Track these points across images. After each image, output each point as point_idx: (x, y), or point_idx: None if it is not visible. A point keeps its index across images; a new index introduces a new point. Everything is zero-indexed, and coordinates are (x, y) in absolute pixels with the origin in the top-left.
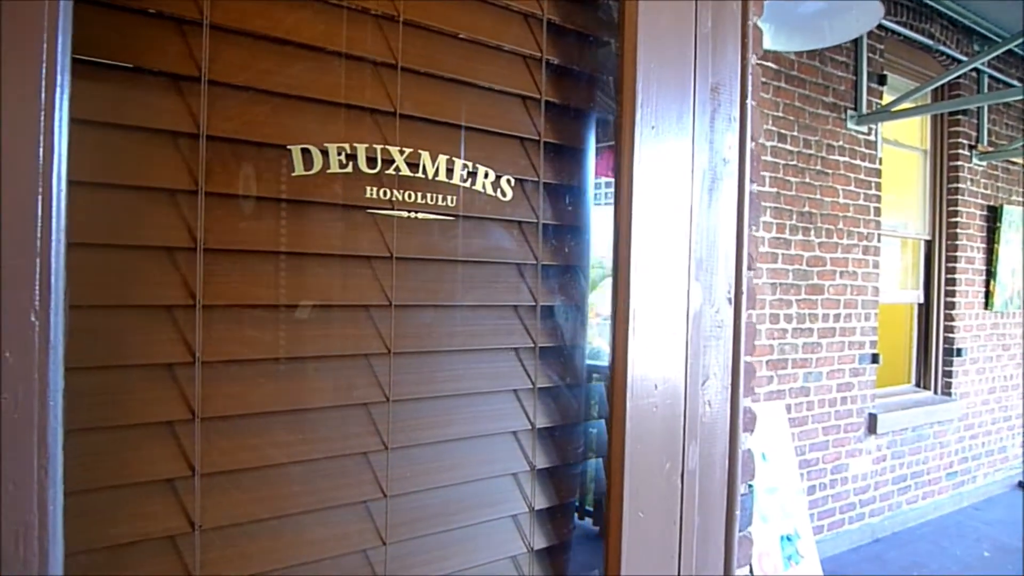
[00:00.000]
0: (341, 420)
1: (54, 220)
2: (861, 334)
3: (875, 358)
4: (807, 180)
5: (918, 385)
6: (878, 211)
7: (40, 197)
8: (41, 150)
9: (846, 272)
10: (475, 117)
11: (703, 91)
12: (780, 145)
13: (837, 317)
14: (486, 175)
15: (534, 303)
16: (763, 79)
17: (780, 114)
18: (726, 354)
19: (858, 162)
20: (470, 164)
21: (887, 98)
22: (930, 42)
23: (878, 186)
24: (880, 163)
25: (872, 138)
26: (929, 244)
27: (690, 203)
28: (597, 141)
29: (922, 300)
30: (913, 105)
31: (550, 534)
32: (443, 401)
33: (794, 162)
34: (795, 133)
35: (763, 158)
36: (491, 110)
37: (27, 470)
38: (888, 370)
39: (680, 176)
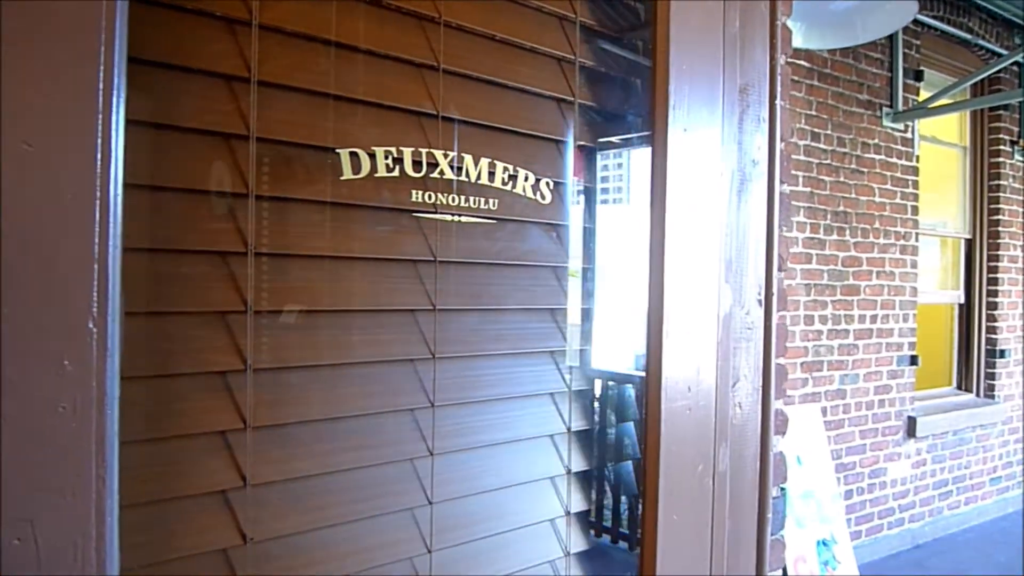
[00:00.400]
0: (387, 426)
1: (111, 224)
2: (899, 335)
3: (914, 360)
4: (841, 179)
5: (959, 387)
6: (916, 210)
7: (98, 201)
8: (99, 153)
9: (883, 272)
10: (514, 119)
11: (731, 92)
12: (813, 144)
13: (874, 318)
14: (526, 178)
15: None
16: (795, 78)
17: (813, 113)
18: (757, 356)
19: (894, 160)
20: (511, 167)
21: (924, 94)
22: (968, 36)
23: (915, 184)
24: (917, 161)
25: (909, 135)
26: (970, 243)
27: (719, 205)
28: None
29: (963, 300)
30: (951, 101)
31: (584, 537)
32: (484, 406)
33: (828, 161)
34: (829, 132)
35: (796, 157)
36: (529, 113)
37: (85, 480)
38: (928, 372)
39: (709, 178)
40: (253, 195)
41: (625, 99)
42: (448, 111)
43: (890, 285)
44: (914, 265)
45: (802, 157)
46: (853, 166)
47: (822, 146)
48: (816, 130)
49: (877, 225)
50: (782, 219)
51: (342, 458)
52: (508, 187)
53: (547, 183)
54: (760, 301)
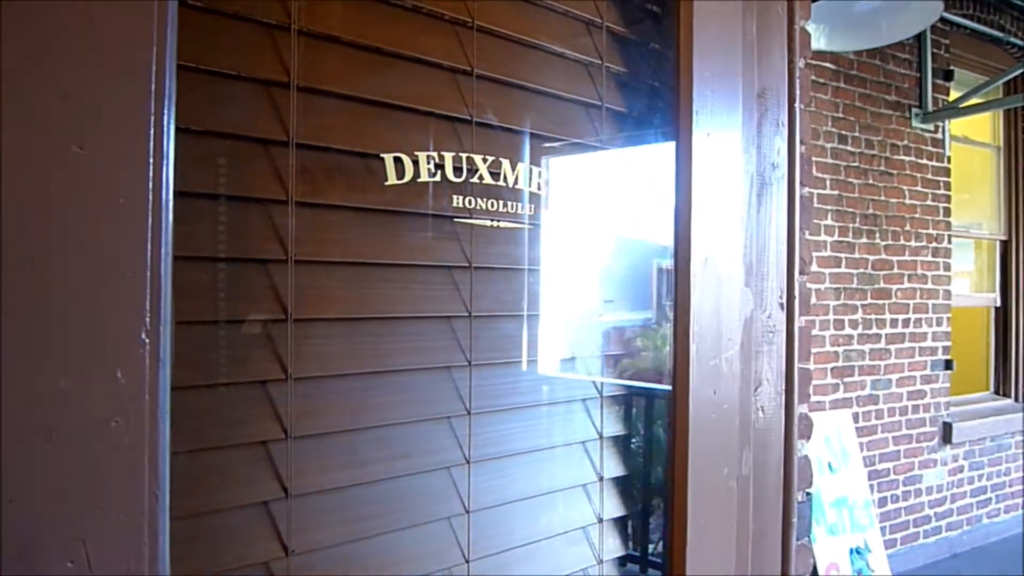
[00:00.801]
0: (425, 435)
1: (163, 230)
2: (933, 339)
3: (948, 364)
4: (870, 181)
5: (997, 392)
6: (948, 211)
7: (150, 206)
8: (151, 159)
9: (915, 275)
10: (544, 124)
11: (749, 97)
12: (841, 147)
13: (906, 322)
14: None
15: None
16: (821, 80)
17: (840, 115)
18: (779, 360)
19: (924, 161)
20: (544, 171)
21: (954, 94)
22: (999, 34)
23: (947, 185)
24: (949, 162)
25: (939, 136)
26: (1005, 244)
27: (739, 209)
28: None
29: (999, 303)
30: (983, 100)
31: (616, 545)
32: (518, 412)
33: (856, 163)
34: (856, 134)
35: (823, 160)
36: (558, 117)
37: (138, 497)
38: (963, 377)
39: (729, 182)
40: (293, 202)
41: (650, 104)
42: (482, 116)
43: (922, 288)
44: (947, 268)
45: (829, 160)
46: (882, 168)
47: (850, 148)
48: (843, 132)
49: (908, 227)
50: (803, 222)
51: (380, 468)
52: (542, 192)
53: None
54: (782, 305)
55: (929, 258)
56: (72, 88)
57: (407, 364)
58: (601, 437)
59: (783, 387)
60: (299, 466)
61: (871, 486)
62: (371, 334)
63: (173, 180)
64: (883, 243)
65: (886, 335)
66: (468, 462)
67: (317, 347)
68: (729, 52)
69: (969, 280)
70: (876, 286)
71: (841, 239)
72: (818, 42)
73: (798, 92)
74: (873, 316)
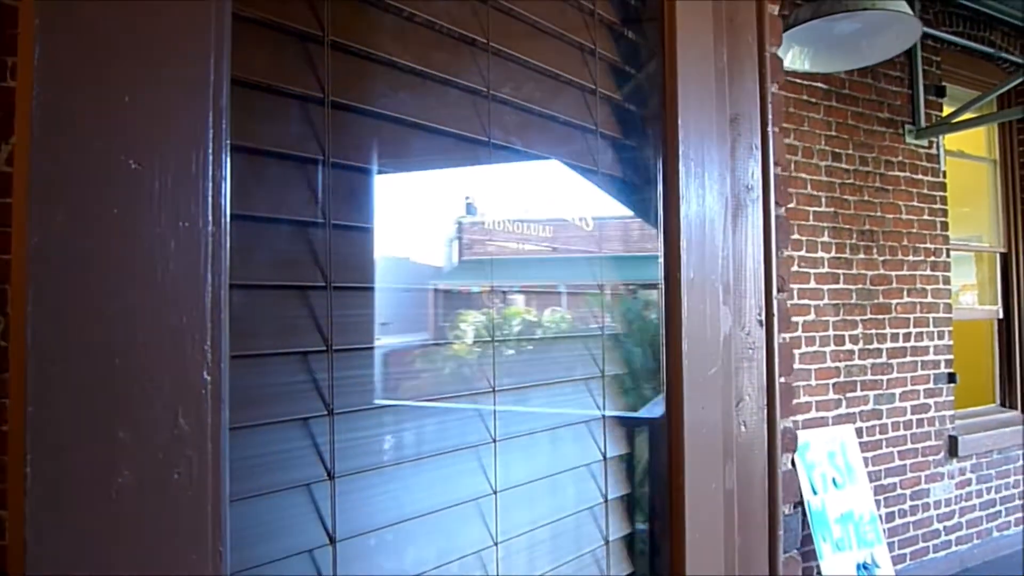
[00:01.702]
0: (454, 465)
1: (222, 256)
2: (935, 353)
3: (951, 377)
4: (866, 198)
5: (1003, 404)
6: (945, 225)
7: (210, 230)
8: (211, 178)
9: (914, 290)
10: (551, 148)
11: (722, 123)
12: (835, 164)
13: (907, 336)
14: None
15: (600, 333)
16: (812, 99)
17: (833, 133)
18: (760, 376)
19: (920, 176)
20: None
21: (947, 110)
22: (990, 50)
23: (943, 200)
24: (944, 176)
25: (934, 151)
26: (1005, 256)
27: (716, 230)
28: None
29: (1002, 315)
30: (976, 115)
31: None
32: (536, 436)
33: (851, 180)
34: (850, 151)
35: (817, 178)
36: (562, 142)
37: (202, 558)
38: (968, 390)
39: (707, 205)
40: (330, 224)
41: (637, 130)
42: (495, 137)
43: (922, 302)
44: (947, 281)
45: (824, 178)
46: (877, 184)
47: (844, 166)
48: (837, 150)
49: (905, 242)
50: (780, 242)
51: (420, 502)
52: (559, 215)
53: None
54: (761, 322)
55: (928, 272)
56: (130, 98)
57: (438, 392)
58: (604, 458)
59: (764, 402)
60: (341, 508)
61: (877, 501)
62: (411, 360)
63: (229, 203)
64: (881, 258)
65: (887, 349)
66: (495, 492)
67: (352, 376)
68: (704, 80)
69: (971, 293)
70: (875, 301)
71: (838, 255)
72: (802, 64)
73: (771, 116)
74: (874, 331)
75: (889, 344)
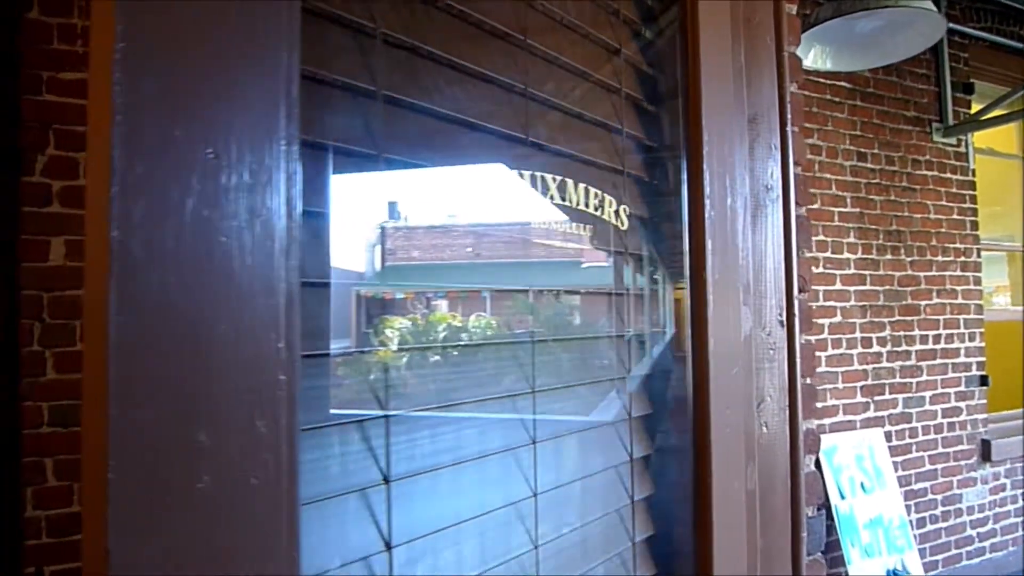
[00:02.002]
0: (496, 468)
1: (295, 252)
2: (966, 355)
3: (984, 380)
4: (893, 198)
5: None
6: (975, 225)
7: (284, 224)
8: (284, 171)
9: (944, 291)
10: (584, 148)
11: (740, 123)
12: (860, 164)
13: (937, 338)
14: (611, 203)
15: (623, 333)
16: (836, 99)
17: (858, 133)
18: (781, 376)
19: (948, 175)
20: (599, 192)
21: (976, 106)
22: (1020, 45)
23: (973, 199)
24: (973, 175)
25: (962, 149)
26: None
27: (735, 230)
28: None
29: None
30: (1006, 111)
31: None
32: (570, 438)
33: (877, 180)
34: (876, 151)
35: (843, 178)
36: (591, 141)
37: (277, 564)
38: (1003, 393)
39: (726, 205)
40: (383, 223)
41: (657, 130)
42: (536, 136)
43: (952, 303)
44: (977, 282)
45: (849, 178)
46: (904, 184)
47: (870, 165)
48: (862, 150)
49: (934, 242)
50: (800, 242)
51: (468, 505)
52: (598, 212)
53: (624, 208)
54: (782, 322)
55: (958, 272)
56: (207, 88)
57: (482, 395)
58: (631, 459)
59: (786, 403)
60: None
61: (908, 506)
62: (451, 363)
63: (301, 196)
64: (909, 259)
65: (916, 352)
66: (535, 494)
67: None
68: (724, 81)
69: (1005, 294)
70: (904, 302)
71: (865, 256)
72: (824, 63)
73: (790, 116)
74: (902, 333)
75: (918, 346)
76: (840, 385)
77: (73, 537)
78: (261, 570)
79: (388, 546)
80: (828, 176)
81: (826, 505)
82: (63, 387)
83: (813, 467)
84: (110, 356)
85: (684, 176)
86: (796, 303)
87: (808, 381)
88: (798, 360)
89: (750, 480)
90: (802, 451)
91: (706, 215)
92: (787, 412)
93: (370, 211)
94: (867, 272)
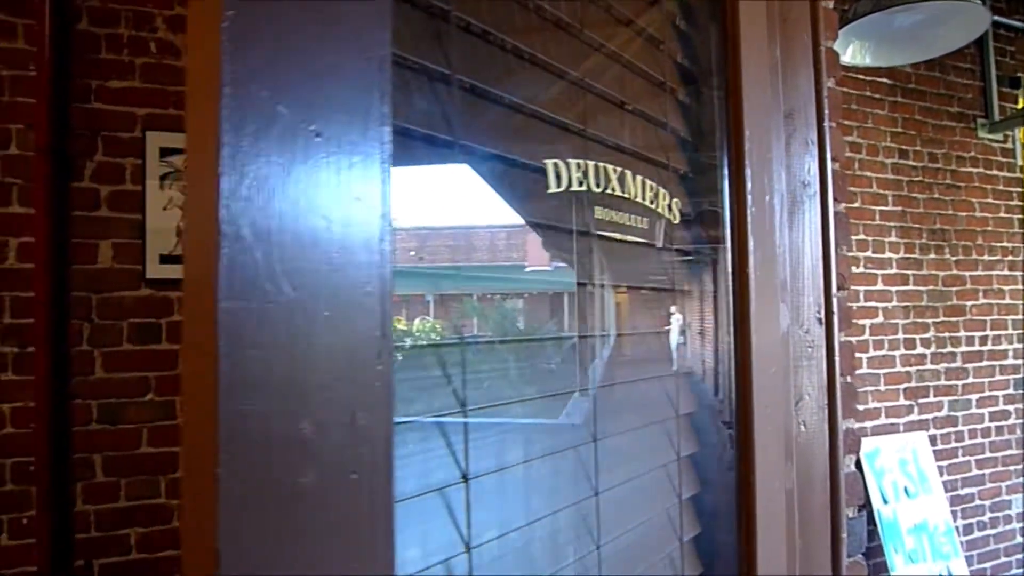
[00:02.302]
0: (557, 470)
1: (387, 237)
2: (1014, 357)
3: None
4: (936, 196)
5: None
6: (1023, 223)
7: (379, 206)
8: (381, 153)
9: (990, 291)
10: (637, 142)
11: (776, 118)
12: (902, 162)
13: (984, 340)
14: (664, 196)
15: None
16: (876, 95)
17: (899, 129)
18: (820, 374)
19: (994, 172)
20: (653, 184)
21: (1023, 101)
22: None
23: (1021, 196)
24: (1021, 171)
25: (1009, 145)
26: None
27: (772, 227)
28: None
29: None
30: None
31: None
32: (628, 435)
33: (919, 178)
34: (918, 148)
35: (884, 176)
36: (642, 135)
37: (374, 561)
38: None
39: (764, 201)
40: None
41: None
42: (594, 128)
43: (1000, 304)
44: None
45: (890, 176)
46: (948, 181)
47: (912, 163)
48: (904, 147)
49: (980, 241)
50: (839, 239)
51: (537, 507)
52: (653, 205)
53: (676, 202)
54: (820, 320)
55: (1005, 272)
56: (310, 66)
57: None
58: (679, 457)
59: (825, 402)
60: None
61: (954, 512)
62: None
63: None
64: (953, 258)
65: (962, 353)
66: (596, 493)
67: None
68: (759, 76)
69: None
70: (948, 303)
71: (907, 256)
72: (863, 59)
73: (827, 111)
74: (947, 334)
75: (964, 348)
76: (882, 387)
77: (120, 532)
78: (359, 570)
79: (467, 547)
80: (868, 174)
81: (868, 509)
82: (111, 386)
83: (853, 467)
84: (220, 343)
85: (725, 172)
86: (835, 301)
87: (848, 380)
88: (837, 358)
89: (788, 479)
90: (842, 450)
91: (748, 212)
92: (826, 411)
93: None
94: (910, 272)
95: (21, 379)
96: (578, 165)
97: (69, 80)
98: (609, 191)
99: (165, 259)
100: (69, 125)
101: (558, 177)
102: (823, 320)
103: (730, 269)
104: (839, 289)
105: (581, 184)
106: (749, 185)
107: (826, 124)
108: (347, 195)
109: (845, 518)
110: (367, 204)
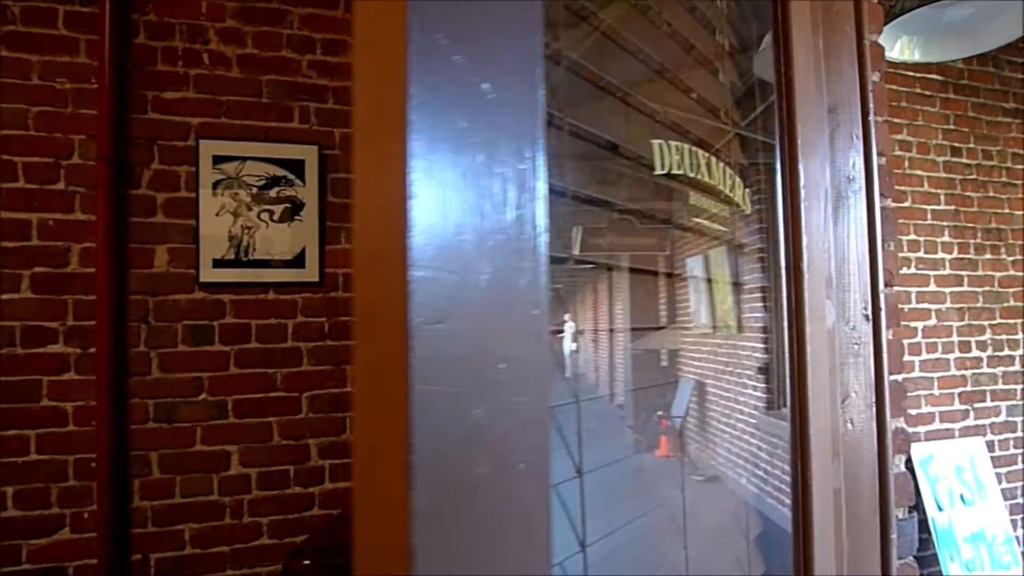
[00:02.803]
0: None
1: (543, 210)
2: None
3: None
4: (991, 194)
5: None
6: None
7: (539, 165)
8: (539, 110)
9: None
10: (708, 132)
11: (820, 113)
12: (954, 159)
13: None
14: (739, 185)
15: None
16: (927, 92)
17: (951, 126)
18: (867, 372)
19: None
20: (732, 171)
21: None
22: None
23: None
24: None
25: None
26: None
27: (817, 222)
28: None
29: None
30: None
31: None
32: (709, 424)
33: (973, 176)
34: (971, 145)
35: (935, 175)
36: (713, 124)
37: (538, 548)
38: None
39: (809, 196)
40: (570, 194)
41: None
42: (676, 115)
43: None
44: None
45: (942, 174)
46: (1004, 179)
47: (965, 160)
48: (956, 144)
49: None
50: (886, 234)
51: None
52: (732, 193)
53: (748, 191)
54: (867, 317)
55: None
56: (479, 21)
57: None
58: (760, 466)
59: (873, 400)
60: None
61: (1013, 521)
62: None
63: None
64: (1010, 258)
65: (1021, 357)
66: (683, 482)
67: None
68: (804, 71)
69: None
70: (1005, 304)
71: (961, 256)
72: (912, 54)
73: (872, 106)
74: (1004, 336)
75: (1023, 351)
76: (936, 391)
77: (175, 527)
78: (522, 559)
79: (583, 546)
80: (919, 173)
81: (922, 517)
82: (166, 385)
83: (903, 468)
84: (410, 319)
85: (777, 166)
86: (882, 297)
87: (897, 379)
88: (885, 356)
89: (835, 478)
90: (891, 450)
91: (801, 206)
92: (874, 409)
93: None
94: (964, 273)
95: (83, 379)
96: (677, 148)
97: (128, 92)
98: (700, 176)
99: (217, 263)
100: (127, 135)
101: (663, 158)
102: (870, 317)
103: (783, 264)
104: (886, 285)
105: (679, 167)
106: (803, 180)
107: (871, 118)
108: (515, 154)
109: (895, 519)
110: (533, 162)
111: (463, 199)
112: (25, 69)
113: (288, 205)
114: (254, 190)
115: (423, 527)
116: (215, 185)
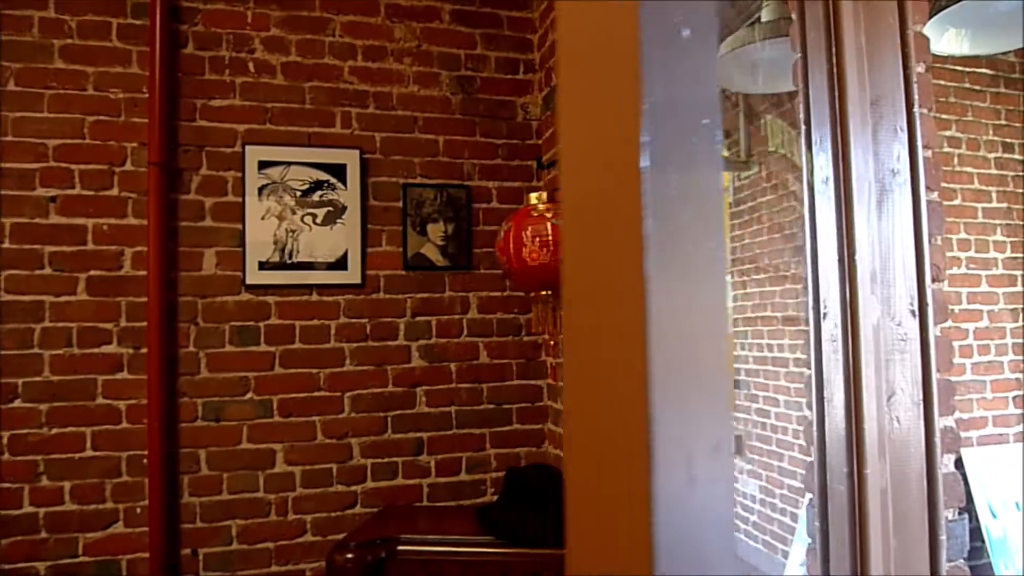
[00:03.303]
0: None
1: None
2: None
3: None
4: None
5: None
6: None
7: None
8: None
9: None
10: None
11: (862, 105)
12: (1006, 156)
13: None
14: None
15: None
16: (976, 87)
17: (1003, 122)
18: (914, 369)
19: None
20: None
21: None
22: None
23: None
24: None
25: None
26: None
27: (860, 216)
28: None
29: None
30: None
31: None
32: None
33: None
34: None
35: (987, 171)
36: None
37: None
38: None
39: (852, 189)
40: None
41: None
42: None
43: None
44: None
45: (994, 171)
46: None
47: (1017, 156)
48: (1009, 140)
49: None
50: (933, 228)
51: None
52: (786, 154)
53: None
54: (913, 312)
55: None
56: None
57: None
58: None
59: (920, 398)
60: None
61: None
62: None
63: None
64: None
65: None
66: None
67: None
68: (848, 63)
69: None
70: None
71: (1015, 255)
72: (961, 47)
73: (916, 97)
74: None
75: None
76: (988, 395)
77: (223, 523)
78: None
79: None
80: (969, 170)
81: (975, 525)
82: (215, 385)
83: (952, 468)
84: (647, 294)
85: (829, 156)
86: (929, 292)
87: (946, 377)
88: (932, 353)
89: (881, 477)
90: (939, 449)
91: (854, 198)
92: (921, 407)
93: None
94: (1018, 272)
95: (136, 378)
96: None
97: (177, 100)
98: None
99: (263, 265)
100: (177, 142)
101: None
102: (916, 312)
103: (836, 257)
104: (934, 280)
105: None
106: (855, 171)
107: (916, 111)
108: (712, 92)
109: (944, 519)
110: (712, 130)
111: None
112: (81, 80)
113: (330, 208)
114: (298, 194)
115: (664, 530)
116: (260, 190)
